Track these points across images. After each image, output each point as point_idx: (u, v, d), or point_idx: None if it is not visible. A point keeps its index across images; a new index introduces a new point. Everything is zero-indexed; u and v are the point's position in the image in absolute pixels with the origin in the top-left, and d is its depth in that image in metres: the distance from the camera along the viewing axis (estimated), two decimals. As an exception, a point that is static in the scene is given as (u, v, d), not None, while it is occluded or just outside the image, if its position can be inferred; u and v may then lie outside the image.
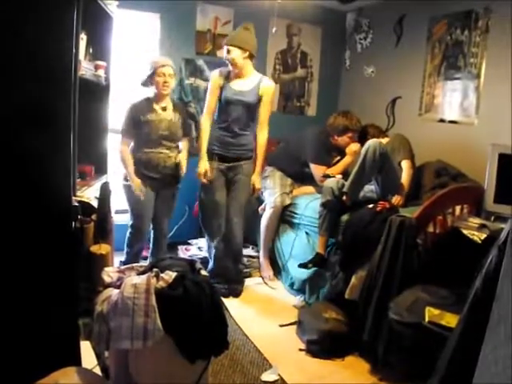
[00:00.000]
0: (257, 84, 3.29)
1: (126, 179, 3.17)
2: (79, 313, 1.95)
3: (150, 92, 3.15)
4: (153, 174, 3.16)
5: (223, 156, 3.35)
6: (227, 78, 3.30)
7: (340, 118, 3.58)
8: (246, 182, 3.40)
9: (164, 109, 3.15)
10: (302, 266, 3.18)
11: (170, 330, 1.88)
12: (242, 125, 3.31)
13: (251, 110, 3.32)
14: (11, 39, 1.59)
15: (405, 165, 3.26)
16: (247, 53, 3.21)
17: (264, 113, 3.36)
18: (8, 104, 1.62)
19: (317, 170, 3.67)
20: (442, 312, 2.06)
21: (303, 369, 2.56)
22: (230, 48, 3.18)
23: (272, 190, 3.74)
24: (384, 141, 3.40)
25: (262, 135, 3.38)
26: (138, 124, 3.09)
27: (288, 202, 3.71)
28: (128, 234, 3.29)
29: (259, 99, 3.30)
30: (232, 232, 3.43)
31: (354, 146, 3.58)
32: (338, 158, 3.74)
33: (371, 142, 2.98)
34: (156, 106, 3.13)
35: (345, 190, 3.01)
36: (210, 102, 3.34)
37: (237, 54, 3.19)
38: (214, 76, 3.33)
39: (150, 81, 3.09)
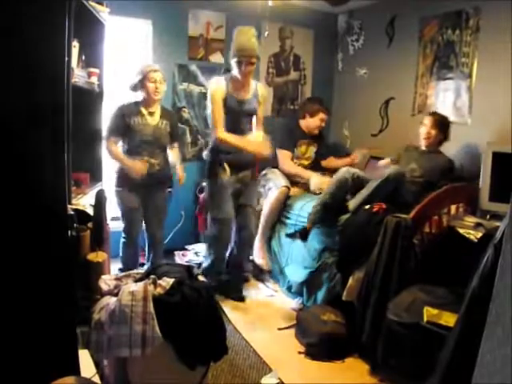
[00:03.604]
0: (255, 91, 3.30)
1: (117, 186, 3.18)
2: (77, 321, 1.94)
3: (139, 96, 3.14)
4: (137, 181, 3.12)
5: (235, 164, 3.33)
6: (227, 87, 3.22)
7: (311, 101, 4.05)
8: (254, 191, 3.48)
9: (151, 114, 3.15)
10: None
11: (168, 337, 1.88)
12: (247, 132, 3.31)
13: (252, 116, 3.36)
14: (0, 48, 1.59)
15: None
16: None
17: (261, 115, 3.41)
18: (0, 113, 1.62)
19: (281, 155, 3.81)
20: (440, 311, 2.06)
21: (303, 372, 2.56)
22: (254, 60, 3.12)
23: (277, 180, 3.72)
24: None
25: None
26: (124, 126, 3.07)
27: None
28: (121, 241, 3.31)
29: (258, 105, 3.34)
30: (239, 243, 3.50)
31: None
32: (306, 142, 3.93)
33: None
34: (144, 111, 3.12)
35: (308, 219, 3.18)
36: (219, 116, 3.18)
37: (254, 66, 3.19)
38: (215, 88, 3.19)
39: (140, 85, 3.08)
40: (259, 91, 3.34)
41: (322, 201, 3.11)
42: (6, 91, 1.60)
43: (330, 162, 4.13)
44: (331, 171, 3.71)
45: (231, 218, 3.35)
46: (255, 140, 3.26)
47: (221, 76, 3.30)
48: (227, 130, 3.19)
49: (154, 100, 3.12)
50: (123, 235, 3.30)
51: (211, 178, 3.35)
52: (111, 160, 3.13)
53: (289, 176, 3.77)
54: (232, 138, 3.16)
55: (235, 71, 3.17)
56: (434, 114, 3.36)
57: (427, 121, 3.30)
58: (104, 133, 3.04)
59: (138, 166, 3.05)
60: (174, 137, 3.32)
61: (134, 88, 3.12)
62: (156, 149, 3.17)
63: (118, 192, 3.19)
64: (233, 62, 3.16)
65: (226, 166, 3.28)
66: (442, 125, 3.29)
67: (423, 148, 3.36)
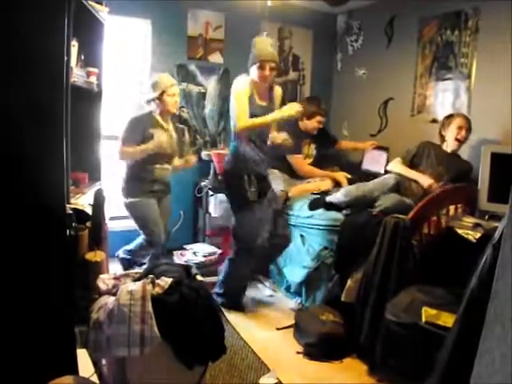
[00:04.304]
0: (272, 95, 3.25)
1: (132, 196, 3.12)
2: (75, 321, 1.94)
3: (153, 108, 3.13)
4: (156, 187, 3.18)
5: (258, 174, 3.18)
6: (251, 90, 3.07)
7: (309, 103, 3.89)
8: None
9: (167, 124, 3.17)
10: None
11: (166, 336, 1.88)
12: (267, 137, 3.25)
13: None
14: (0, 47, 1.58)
15: None
16: None
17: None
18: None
19: (295, 160, 3.85)
20: (439, 312, 2.06)
21: (301, 372, 2.56)
22: (273, 65, 3.02)
23: (275, 182, 3.65)
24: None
25: None
26: (141, 137, 3.04)
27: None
28: (144, 250, 3.26)
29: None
30: None
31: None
32: (307, 141, 3.97)
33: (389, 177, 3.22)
34: (161, 122, 3.13)
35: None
36: (245, 111, 2.98)
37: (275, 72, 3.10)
38: (241, 87, 3.03)
39: (158, 99, 3.07)
40: (276, 93, 3.28)
41: (369, 189, 3.13)
42: (5, 90, 1.60)
43: (342, 143, 4.35)
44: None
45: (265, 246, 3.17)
46: (281, 109, 3.11)
47: (242, 76, 3.10)
48: (249, 137, 3.10)
49: (171, 113, 3.16)
50: (145, 244, 3.23)
51: (239, 199, 3.17)
52: (128, 157, 3.07)
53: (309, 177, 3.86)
54: (255, 120, 2.99)
55: (255, 76, 3.04)
56: (464, 116, 3.25)
57: (463, 122, 3.18)
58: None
59: (157, 142, 3.04)
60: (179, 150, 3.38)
61: (150, 102, 3.11)
62: (171, 156, 3.24)
63: (135, 203, 3.12)
64: (253, 68, 3.04)
65: (250, 187, 3.11)
66: (470, 128, 3.23)
67: (447, 149, 3.27)
